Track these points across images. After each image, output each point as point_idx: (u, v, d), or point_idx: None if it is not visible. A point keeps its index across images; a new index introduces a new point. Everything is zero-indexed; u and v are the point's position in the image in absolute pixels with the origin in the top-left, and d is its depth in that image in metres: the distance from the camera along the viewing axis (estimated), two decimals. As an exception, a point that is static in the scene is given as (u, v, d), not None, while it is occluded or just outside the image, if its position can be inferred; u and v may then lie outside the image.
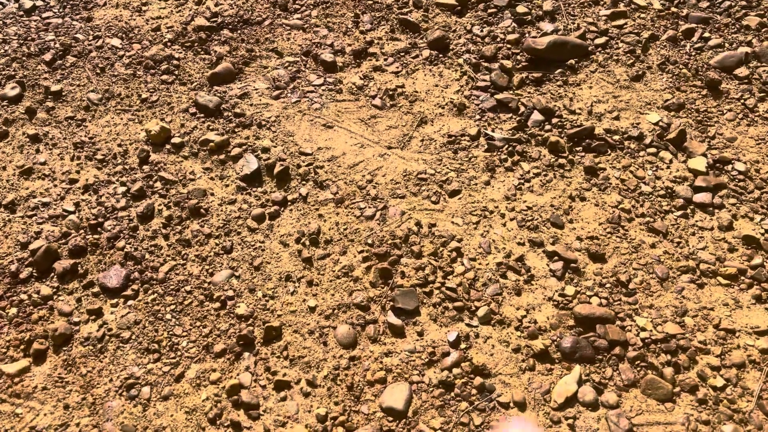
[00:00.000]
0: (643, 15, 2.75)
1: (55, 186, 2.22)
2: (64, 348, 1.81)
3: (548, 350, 1.73)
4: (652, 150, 2.22)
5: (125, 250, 2.02)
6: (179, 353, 1.78)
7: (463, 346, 1.76)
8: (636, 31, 2.68)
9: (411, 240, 2.01)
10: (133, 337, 1.82)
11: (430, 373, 1.71)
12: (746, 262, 1.90)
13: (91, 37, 2.77)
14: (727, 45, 2.59)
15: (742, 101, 2.37)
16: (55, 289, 1.94)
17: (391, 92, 2.49)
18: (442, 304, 1.85)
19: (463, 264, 1.94)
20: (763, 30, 2.64)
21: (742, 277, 1.87)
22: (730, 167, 2.16)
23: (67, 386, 1.73)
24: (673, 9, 2.77)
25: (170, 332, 1.83)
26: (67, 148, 2.34)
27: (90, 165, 2.28)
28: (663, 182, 2.13)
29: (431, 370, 1.72)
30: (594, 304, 1.82)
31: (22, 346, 1.81)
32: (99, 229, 2.08)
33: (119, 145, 2.34)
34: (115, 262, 1.99)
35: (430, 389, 1.68)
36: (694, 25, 2.69)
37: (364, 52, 2.68)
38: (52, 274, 1.97)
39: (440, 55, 2.64)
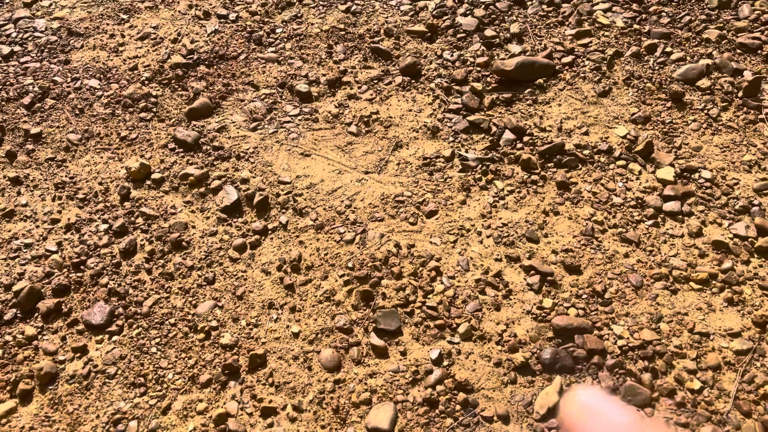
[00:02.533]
0: (606, 33, 2.84)
1: (37, 227, 2.24)
2: (50, 387, 1.82)
3: (529, 363, 1.77)
4: (622, 162, 2.29)
5: (109, 286, 2.04)
6: (165, 386, 1.80)
7: (445, 363, 1.79)
8: (601, 48, 2.76)
9: (391, 261, 2.04)
10: (119, 372, 1.84)
11: (414, 392, 1.74)
12: (717, 267, 1.95)
13: (69, 79, 2.82)
14: (688, 58, 2.68)
15: (705, 111, 2.45)
16: (39, 329, 1.95)
17: (366, 119, 2.55)
18: (424, 323, 1.88)
19: (442, 282, 1.98)
20: (723, 42, 2.74)
21: (714, 282, 1.92)
22: (697, 175, 2.22)
23: (54, 425, 1.73)
24: (636, 26, 2.87)
25: (156, 365, 1.84)
26: (48, 189, 2.37)
27: (71, 204, 2.31)
28: (633, 193, 2.19)
29: (415, 388, 1.75)
30: (571, 315, 1.86)
31: (8, 387, 1.81)
32: (82, 267, 2.10)
33: (100, 184, 2.37)
34: (99, 299, 2.01)
35: (415, 407, 1.70)
36: (656, 41, 2.78)
37: (339, 81, 2.75)
38: (36, 314, 1.99)
39: (412, 81, 2.71)
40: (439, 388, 1.73)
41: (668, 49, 2.73)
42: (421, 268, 2.02)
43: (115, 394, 1.79)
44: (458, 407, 1.69)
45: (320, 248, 2.11)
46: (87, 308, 1.99)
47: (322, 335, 1.88)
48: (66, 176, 2.41)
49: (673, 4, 2.99)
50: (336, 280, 2.01)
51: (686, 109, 2.47)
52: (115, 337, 1.92)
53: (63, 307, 2.00)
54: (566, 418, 0.35)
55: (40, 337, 1.94)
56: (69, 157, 2.49)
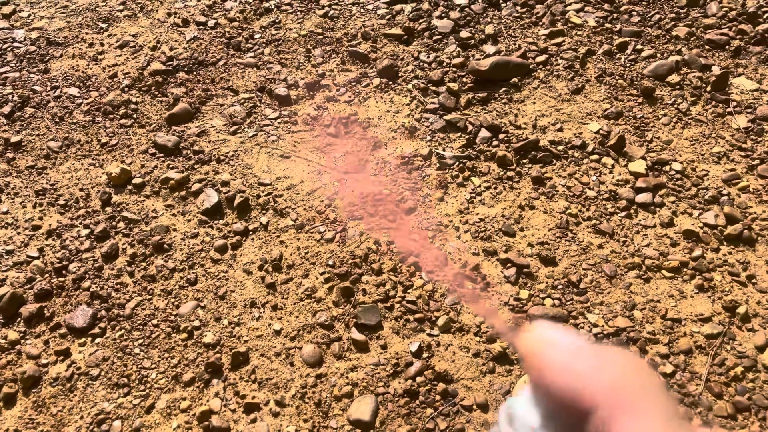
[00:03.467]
0: (579, 32, 2.91)
1: (19, 234, 2.25)
2: (34, 390, 1.83)
3: (506, 352, 1.80)
4: (595, 157, 2.34)
5: (91, 289, 2.05)
6: (149, 385, 1.81)
7: (425, 355, 1.82)
8: (574, 47, 2.82)
9: (371, 258, 2.08)
10: (102, 373, 1.85)
11: (395, 384, 1.77)
12: (688, 255, 2.00)
13: (48, 88, 2.84)
14: (658, 55, 2.75)
15: (675, 106, 2.51)
16: (22, 334, 1.96)
17: (344, 120, 2.59)
18: (404, 317, 1.91)
19: (421, 277, 2.01)
20: (692, 39, 2.81)
21: (685, 269, 1.97)
22: (668, 168, 2.28)
23: (38, 427, 1.74)
24: (607, 25, 2.93)
25: (139, 366, 1.86)
26: (29, 196, 2.38)
27: (53, 211, 2.32)
28: (606, 186, 2.24)
29: (396, 380, 1.78)
30: (548, 305, 1.90)
31: (-9, 392, 1.82)
32: (64, 271, 2.12)
33: (81, 190, 2.38)
34: (82, 303, 2.02)
35: (396, 399, 1.73)
36: (627, 39, 2.84)
37: (317, 84, 2.78)
38: (19, 319, 1.99)
39: (390, 83, 2.75)
40: (419, 379, 1.76)
41: (639, 46, 2.80)
42: (400, 264, 2.05)
43: (99, 395, 1.80)
44: (438, 397, 1.73)
45: (301, 247, 2.14)
46: (69, 312, 2.00)
47: (303, 332, 1.90)
48: (47, 183, 2.42)
49: (644, 3, 3.06)
50: (317, 278, 2.04)
51: (657, 104, 2.53)
52: (98, 340, 1.93)
53: (45, 311, 2.01)
54: (524, 350, 0.37)
55: (22, 341, 1.95)
56: (49, 165, 2.50)
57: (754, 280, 1.92)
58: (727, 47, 2.75)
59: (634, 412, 0.29)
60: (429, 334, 1.87)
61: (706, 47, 2.77)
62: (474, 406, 1.71)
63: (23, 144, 2.59)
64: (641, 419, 0.28)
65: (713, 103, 2.50)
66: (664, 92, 2.57)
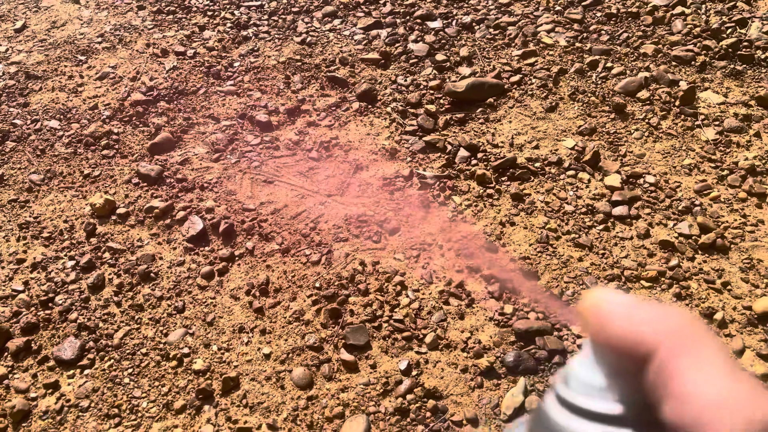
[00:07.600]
0: (551, 52, 2.99)
1: (3, 268, 2.24)
2: (23, 424, 1.82)
3: (494, 367, 1.84)
4: (571, 172, 2.40)
5: (78, 321, 2.05)
6: (140, 414, 1.81)
7: (414, 372, 1.85)
8: (546, 67, 2.91)
9: (357, 279, 2.11)
10: (93, 404, 1.85)
11: (385, 403, 1.79)
12: (665, 265, 2.06)
13: (29, 121, 2.84)
14: (628, 72, 2.84)
15: (646, 120, 2.59)
16: (9, 368, 1.95)
17: (326, 144, 2.63)
18: (392, 336, 1.94)
19: (408, 296, 2.05)
20: (659, 55, 2.91)
21: (662, 279, 2.03)
22: (642, 181, 2.35)
23: (28, 462, 1.73)
24: (578, 44, 3.02)
25: (129, 395, 1.86)
26: (13, 230, 2.38)
27: (37, 243, 2.32)
28: (584, 201, 2.30)
29: (386, 399, 1.80)
30: (532, 318, 1.95)
31: (-21, 428, 1.81)
32: (50, 304, 2.11)
33: (65, 222, 2.39)
34: (69, 334, 2.02)
35: (387, 417, 1.75)
36: (597, 57, 2.93)
37: (298, 109, 2.83)
38: (6, 353, 1.99)
39: (369, 106, 2.81)
40: (409, 397, 1.79)
41: (609, 64, 2.89)
42: (386, 284, 2.08)
43: (90, 426, 1.80)
44: (428, 414, 1.75)
45: (287, 271, 2.16)
46: (57, 344, 2.00)
47: (293, 354, 1.92)
48: (30, 216, 2.42)
49: (612, 22, 3.16)
50: (304, 301, 2.07)
51: (629, 120, 2.61)
52: (87, 371, 1.93)
53: (32, 344, 2.01)
54: (583, 309, 0.37)
55: (10, 376, 1.94)
56: (32, 198, 2.51)
57: (729, 287, 1.99)
58: (693, 63, 2.86)
59: (694, 354, 0.31)
60: (417, 352, 1.90)
61: (673, 63, 2.87)
62: (464, 421, 1.73)
63: (5, 178, 2.59)
64: (701, 360, 0.30)
65: (682, 117, 2.59)
66: (635, 108, 2.66)
